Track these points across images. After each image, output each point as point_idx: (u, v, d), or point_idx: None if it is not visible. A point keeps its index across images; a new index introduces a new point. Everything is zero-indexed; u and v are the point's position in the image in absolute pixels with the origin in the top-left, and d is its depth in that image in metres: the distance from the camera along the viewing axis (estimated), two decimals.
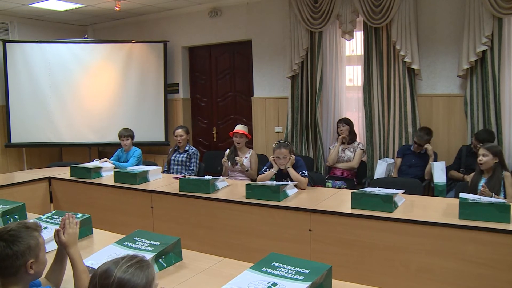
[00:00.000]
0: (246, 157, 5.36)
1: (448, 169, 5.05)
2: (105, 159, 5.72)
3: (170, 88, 7.82)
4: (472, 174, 4.17)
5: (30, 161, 7.96)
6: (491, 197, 3.55)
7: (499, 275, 2.93)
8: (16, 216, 3.18)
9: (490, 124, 5.11)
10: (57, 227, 2.16)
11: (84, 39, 7.85)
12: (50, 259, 2.07)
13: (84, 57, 7.63)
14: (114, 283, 1.49)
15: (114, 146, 6.45)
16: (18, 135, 7.52)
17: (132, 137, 5.86)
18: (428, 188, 5.13)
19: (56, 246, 2.15)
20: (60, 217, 2.62)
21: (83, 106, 7.63)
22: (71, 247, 2.07)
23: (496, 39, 5.02)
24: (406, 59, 5.48)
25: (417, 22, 5.50)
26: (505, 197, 3.79)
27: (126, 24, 8.30)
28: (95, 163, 5.43)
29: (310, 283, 1.89)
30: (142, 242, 2.52)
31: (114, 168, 5.33)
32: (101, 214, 4.52)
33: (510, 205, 3.06)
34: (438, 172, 4.91)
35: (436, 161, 5.10)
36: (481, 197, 3.40)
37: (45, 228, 2.68)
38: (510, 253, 2.89)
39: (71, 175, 5.14)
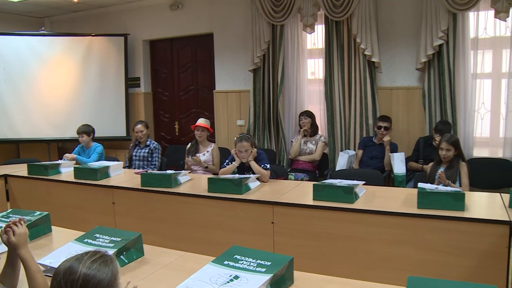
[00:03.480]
0: (207, 151, 5.34)
1: (407, 160, 5.17)
2: (67, 154, 5.61)
3: (131, 82, 7.70)
4: (431, 164, 4.28)
5: None
6: (448, 185, 3.66)
7: (456, 261, 3.02)
8: None
9: (446, 116, 5.25)
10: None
11: (41, 32, 7.62)
12: (1, 261, 2.01)
13: (41, 50, 7.41)
14: (80, 279, 1.46)
15: (74, 142, 6.31)
16: None
17: (88, 133, 5.72)
18: (388, 179, 5.24)
19: (6, 248, 2.07)
20: (17, 216, 2.55)
21: (42, 100, 7.41)
22: (21, 248, 1.99)
23: (451, 33, 5.16)
24: (366, 52, 5.56)
25: (377, 16, 5.59)
26: (460, 186, 3.90)
27: (85, 16, 8.10)
28: (65, 162, 5.29)
29: (272, 275, 1.90)
30: (102, 238, 2.47)
31: (74, 164, 5.22)
32: (61, 212, 4.42)
33: (464, 193, 3.16)
34: (398, 163, 5.02)
35: (396, 152, 5.20)
36: (439, 186, 3.49)
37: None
38: (465, 240, 2.99)
39: (29, 173, 4.99)
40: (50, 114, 7.44)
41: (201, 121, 5.40)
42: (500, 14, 4.86)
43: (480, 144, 5.44)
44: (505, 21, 4.95)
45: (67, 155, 5.61)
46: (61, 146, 8.13)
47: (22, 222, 2.07)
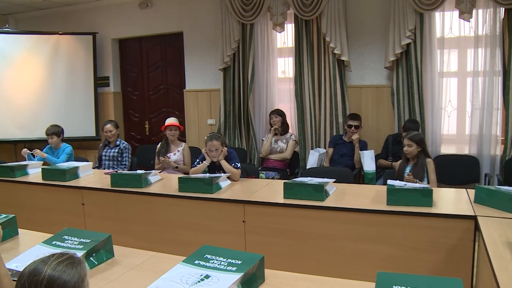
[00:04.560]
0: (178, 151, 5.30)
1: (376, 157, 5.24)
2: (37, 150, 5.49)
3: (100, 82, 7.59)
4: (399, 161, 4.35)
5: None
6: (416, 183, 3.72)
7: (425, 256, 3.07)
8: None
9: (414, 113, 5.35)
10: None
11: (5, 29, 7.44)
12: None
13: (5, 49, 7.21)
14: (44, 280, 1.42)
15: (42, 142, 6.18)
16: None
17: (58, 134, 5.62)
18: (358, 176, 5.30)
19: None
20: None
21: (7, 100, 7.22)
22: None
23: (419, 33, 5.26)
24: (335, 51, 5.61)
25: (346, 15, 5.65)
26: (428, 183, 3.98)
27: (52, 14, 7.93)
28: (33, 162, 5.17)
29: (243, 273, 1.90)
30: (71, 240, 2.43)
31: (42, 164, 5.13)
32: (29, 214, 4.34)
33: (432, 190, 3.21)
34: (368, 161, 5.08)
35: (366, 149, 5.27)
36: (407, 183, 3.55)
37: None
38: (433, 235, 3.05)
39: None
40: (16, 114, 7.26)
41: (173, 120, 5.35)
42: (464, 14, 4.99)
43: (447, 141, 5.57)
44: (469, 21, 5.08)
45: (37, 151, 5.47)
46: (29, 147, 7.93)
47: None
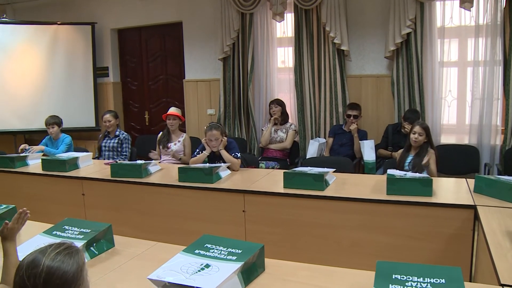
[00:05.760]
0: (179, 141, 5.30)
1: (376, 147, 5.24)
2: (33, 147, 5.48)
3: (99, 72, 7.57)
4: (400, 150, 4.34)
5: None
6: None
7: (424, 245, 3.09)
8: None
9: (414, 103, 5.34)
10: None
11: (3, 19, 7.38)
12: None
13: (3, 39, 7.18)
14: (43, 272, 1.41)
15: (41, 133, 6.18)
16: None
17: (59, 124, 5.62)
18: (358, 166, 5.30)
19: None
20: None
21: (6, 91, 7.19)
22: (8, 241, 1.99)
23: (419, 22, 5.23)
24: (335, 41, 5.59)
25: (346, 5, 5.62)
26: (428, 173, 3.97)
27: (50, 4, 7.87)
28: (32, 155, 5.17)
29: (243, 262, 1.91)
30: (71, 230, 2.44)
31: (42, 155, 5.12)
32: (29, 205, 4.22)
33: (432, 179, 3.22)
34: (368, 150, 5.09)
35: (366, 139, 5.27)
36: (407, 173, 3.55)
37: None
38: (433, 224, 3.06)
39: None
40: (16, 105, 7.24)
41: (173, 110, 5.36)
42: (465, 3, 4.96)
43: (447, 131, 5.56)
44: (470, 10, 5.05)
45: (33, 148, 5.45)
46: (28, 138, 7.96)
47: (24, 217, 2.08)
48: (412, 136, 4.10)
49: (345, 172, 4.22)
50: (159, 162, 4.76)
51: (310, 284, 1.94)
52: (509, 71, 4.91)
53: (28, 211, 2.12)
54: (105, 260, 2.28)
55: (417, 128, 4.08)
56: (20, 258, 2.03)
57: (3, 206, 2.84)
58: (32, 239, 2.40)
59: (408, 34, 5.28)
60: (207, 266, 1.91)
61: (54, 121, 5.57)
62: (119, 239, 2.50)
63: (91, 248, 2.32)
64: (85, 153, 5.00)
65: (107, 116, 5.52)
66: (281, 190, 3.55)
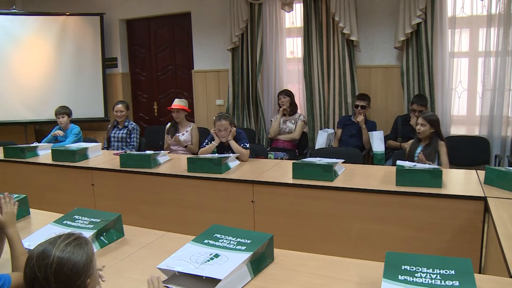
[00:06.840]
0: (187, 131, 5.32)
1: (386, 138, 5.22)
2: (58, 131, 5.56)
3: (108, 63, 7.58)
4: (411, 141, 4.32)
5: None
6: (426, 164, 3.70)
7: (434, 237, 3.08)
8: None
9: (424, 94, 5.29)
10: None
11: (12, 11, 7.39)
12: None
13: (13, 30, 7.19)
14: (54, 262, 1.42)
15: (51, 124, 6.21)
16: None
17: (69, 114, 5.64)
18: (367, 157, 5.28)
19: None
20: None
21: (16, 82, 7.21)
22: (9, 227, 1.97)
23: (429, 12, 5.17)
24: (345, 31, 5.55)
25: None
26: (439, 165, 3.95)
27: None
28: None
29: (252, 252, 1.91)
30: (82, 220, 2.45)
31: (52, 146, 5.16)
32: (39, 195, 4.36)
33: (441, 170, 3.20)
34: (377, 141, 5.07)
35: (375, 130, 5.24)
36: (417, 164, 3.53)
37: None
38: (442, 216, 3.05)
39: (5, 156, 4.90)
40: (26, 96, 7.27)
41: (176, 102, 5.37)
42: None
43: (457, 122, 5.52)
44: (482, 0, 4.98)
45: (59, 131, 5.55)
46: (38, 129, 8.00)
47: (10, 199, 2.04)
48: (416, 127, 4.12)
49: (354, 163, 4.21)
50: (169, 152, 4.77)
51: (318, 274, 1.94)
52: None
53: (6, 193, 2.09)
54: (115, 250, 2.30)
55: (419, 119, 4.12)
56: (32, 247, 2.04)
57: (15, 195, 2.86)
58: (43, 228, 2.42)
59: (418, 24, 5.22)
60: (216, 256, 1.92)
61: (64, 111, 5.60)
62: (128, 229, 2.51)
63: (101, 237, 2.34)
64: (94, 144, 5.02)
65: (119, 106, 5.54)
66: (290, 180, 3.55)
